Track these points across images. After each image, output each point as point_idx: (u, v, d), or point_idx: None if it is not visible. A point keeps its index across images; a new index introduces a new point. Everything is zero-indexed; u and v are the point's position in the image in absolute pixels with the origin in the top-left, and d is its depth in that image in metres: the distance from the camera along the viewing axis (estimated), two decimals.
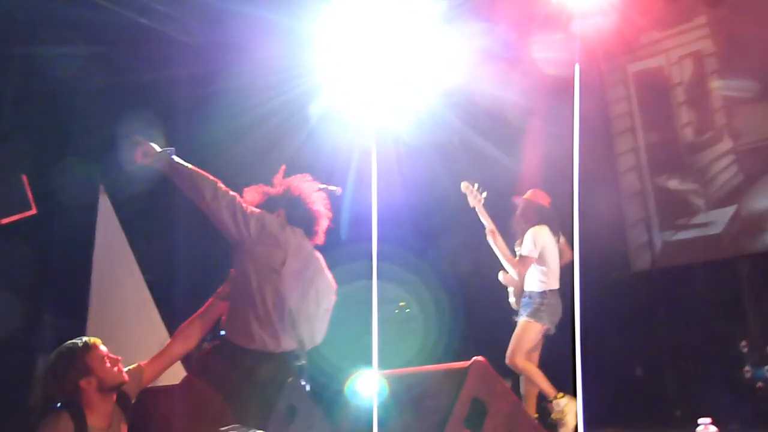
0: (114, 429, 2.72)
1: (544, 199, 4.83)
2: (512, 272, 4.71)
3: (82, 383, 2.66)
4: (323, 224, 3.14)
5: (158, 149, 2.90)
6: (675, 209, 6.26)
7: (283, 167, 3.21)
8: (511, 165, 6.00)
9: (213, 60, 5.40)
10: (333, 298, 3.12)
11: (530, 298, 4.63)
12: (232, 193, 2.92)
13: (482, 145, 5.88)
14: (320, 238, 3.16)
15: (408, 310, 6.00)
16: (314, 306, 3.01)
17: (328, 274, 3.13)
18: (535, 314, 4.57)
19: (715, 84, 6.07)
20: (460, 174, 5.07)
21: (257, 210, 2.98)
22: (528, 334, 4.55)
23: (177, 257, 6.06)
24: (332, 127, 5.10)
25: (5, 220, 4.82)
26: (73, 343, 2.76)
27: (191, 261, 5.97)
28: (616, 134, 6.73)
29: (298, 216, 3.07)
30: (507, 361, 4.53)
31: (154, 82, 5.35)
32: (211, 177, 2.90)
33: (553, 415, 4.32)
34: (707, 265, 5.91)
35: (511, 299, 4.84)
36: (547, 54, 5.55)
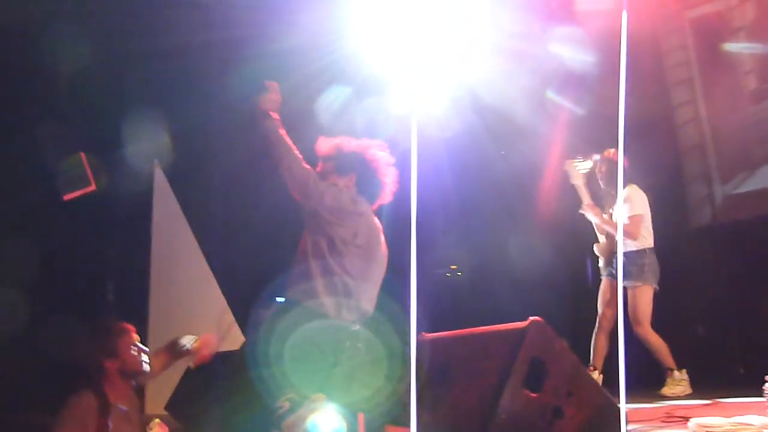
0: (132, 410, 2.88)
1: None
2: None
3: (107, 363, 2.82)
4: (385, 199, 3.19)
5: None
6: (736, 161, 6.01)
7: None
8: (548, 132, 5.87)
9: (246, 24, 5.37)
10: (384, 270, 3.16)
11: (630, 258, 4.58)
12: (308, 167, 3.02)
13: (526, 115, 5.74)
14: (375, 207, 3.20)
15: (459, 273, 5.99)
16: (372, 278, 3.07)
17: (384, 244, 3.18)
18: (640, 276, 4.57)
19: None
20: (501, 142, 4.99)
21: (332, 183, 3.03)
22: (644, 299, 4.55)
23: (233, 228, 6.16)
24: (373, 94, 5.05)
25: (68, 197, 5.02)
26: (109, 323, 2.96)
27: (247, 231, 6.08)
28: (671, 86, 6.47)
29: (368, 184, 3.14)
30: (634, 331, 4.49)
31: (187, 48, 5.35)
32: (295, 148, 3.00)
33: (667, 383, 4.51)
34: None
35: (601, 263, 4.86)
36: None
